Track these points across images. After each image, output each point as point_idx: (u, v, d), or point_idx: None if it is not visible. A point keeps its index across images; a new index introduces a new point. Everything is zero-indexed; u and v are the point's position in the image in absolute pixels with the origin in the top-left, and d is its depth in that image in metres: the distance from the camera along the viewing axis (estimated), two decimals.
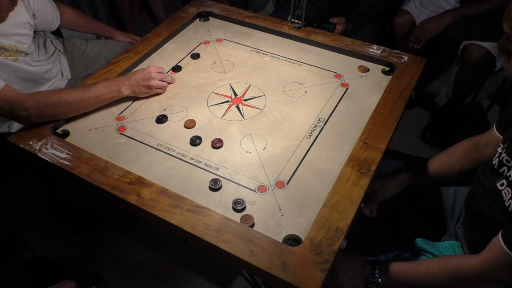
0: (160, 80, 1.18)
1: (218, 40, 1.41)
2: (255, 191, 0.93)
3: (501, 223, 0.87)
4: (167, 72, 1.27)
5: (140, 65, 1.29)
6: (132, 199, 0.90)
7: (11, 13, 1.22)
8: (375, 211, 1.20)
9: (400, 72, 1.23)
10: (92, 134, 1.07)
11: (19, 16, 1.27)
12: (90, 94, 1.08)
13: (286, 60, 1.32)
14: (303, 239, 0.83)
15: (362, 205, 1.18)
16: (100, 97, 1.09)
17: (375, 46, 1.33)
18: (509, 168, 0.89)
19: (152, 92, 1.17)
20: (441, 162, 1.14)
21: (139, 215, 0.91)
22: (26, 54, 1.30)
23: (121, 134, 1.07)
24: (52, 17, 1.44)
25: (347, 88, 1.21)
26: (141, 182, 0.93)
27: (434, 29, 1.78)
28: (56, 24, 1.49)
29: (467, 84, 1.90)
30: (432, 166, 1.14)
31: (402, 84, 1.19)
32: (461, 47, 1.85)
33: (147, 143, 1.05)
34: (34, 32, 1.37)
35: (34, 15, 1.34)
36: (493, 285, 0.82)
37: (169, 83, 1.21)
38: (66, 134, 1.07)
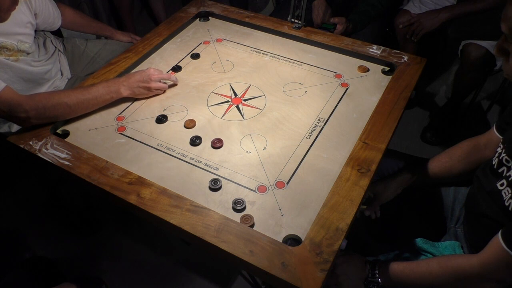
0: (160, 82, 1.18)
1: (218, 40, 1.41)
2: (255, 191, 0.93)
3: (501, 223, 0.87)
4: (166, 72, 1.26)
5: (140, 65, 1.29)
6: (132, 199, 0.90)
7: (13, 13, 1.22)
8: (378, 212, 1.20)
9: (400, 72, 1.23)
10: (92, 134, 1.07)
11: (20, 16, 1.27)
12: (89, 95, 1.07)
13: (286, 60, 1.32)
14: (303, 239, 0.83)
15: (364, 206, 1.18)
16: (99, 98, 1.09)
17: (375, 46, 1.33)
18: (508, 168, 0.89)
19: (151, 93, 1.17)
20: (441, 163, 1.14)
21: (139, 215, 0.91)
22: (28, 53, 1.30)
23: (121, 134, 1.07)
24: (53, 17, 1.44)
25: (347, 88, 1.21)
26: (141, 182, 0.93)
27: (430, 24, 1.78)
28: (57, 24, 1.49)
29: (467, 83, 1.90)
30: (432, 167, 1.14)
31: (402, 84, 1.19)
32: (460, 47, 1.85)
33: (147, 143, 1.05)
34: (35, 31, 1.37)
35: (36, 14, 1.35)
36: (493, 285, 0.82)
37: (170, 86, 1.21)
38: (66, 134, 1.07)
